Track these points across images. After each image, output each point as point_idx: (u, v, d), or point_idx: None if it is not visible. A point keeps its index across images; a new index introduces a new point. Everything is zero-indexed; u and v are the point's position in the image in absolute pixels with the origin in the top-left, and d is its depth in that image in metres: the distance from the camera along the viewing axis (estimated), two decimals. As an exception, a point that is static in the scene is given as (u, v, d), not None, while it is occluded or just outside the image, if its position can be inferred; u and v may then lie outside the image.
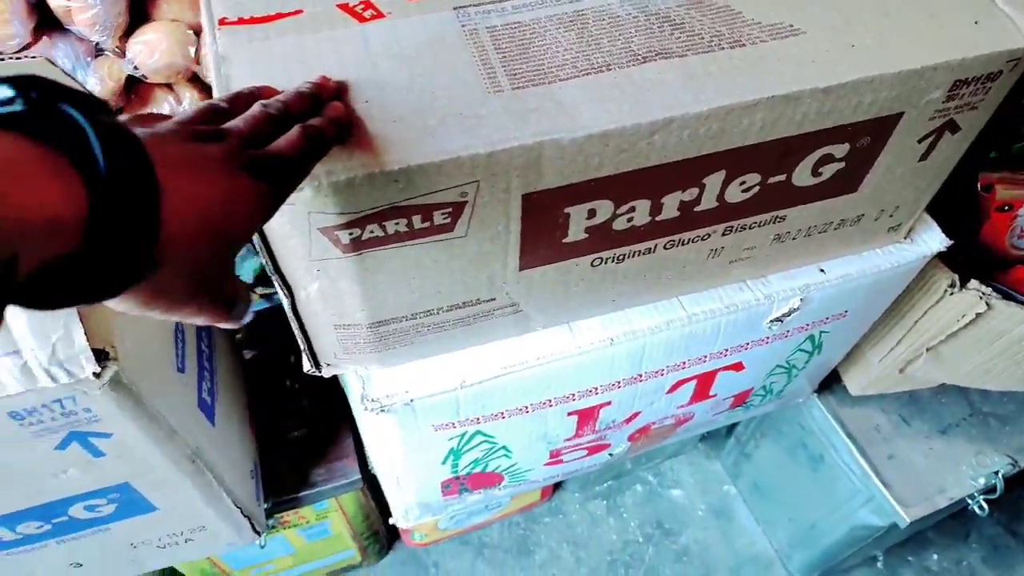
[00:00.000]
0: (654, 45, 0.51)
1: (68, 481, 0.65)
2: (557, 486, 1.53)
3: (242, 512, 0.86)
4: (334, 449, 1.02)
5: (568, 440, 0.81)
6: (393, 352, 0.63)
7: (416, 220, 0.48)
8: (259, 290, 1.46)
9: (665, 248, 0.61)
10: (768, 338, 0.77)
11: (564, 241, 0.56)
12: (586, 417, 0.77)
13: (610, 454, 0.91)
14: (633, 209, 0.55)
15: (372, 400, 0.63)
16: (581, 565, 1.46)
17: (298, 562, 1.24)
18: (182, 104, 1.01)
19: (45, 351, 0.52)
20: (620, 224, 0.56)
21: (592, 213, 0.54)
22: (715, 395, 0.86)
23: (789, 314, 0.73)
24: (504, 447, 0.77)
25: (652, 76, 0.49)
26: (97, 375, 0.53)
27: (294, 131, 0.39)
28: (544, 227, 0.53)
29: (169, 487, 0.73)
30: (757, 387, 0.90)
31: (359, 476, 0.99)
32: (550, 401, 0.71)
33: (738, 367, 0.81)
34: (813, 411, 1.14)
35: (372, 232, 0.48)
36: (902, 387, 1.09)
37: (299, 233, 0.47)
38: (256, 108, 0.39)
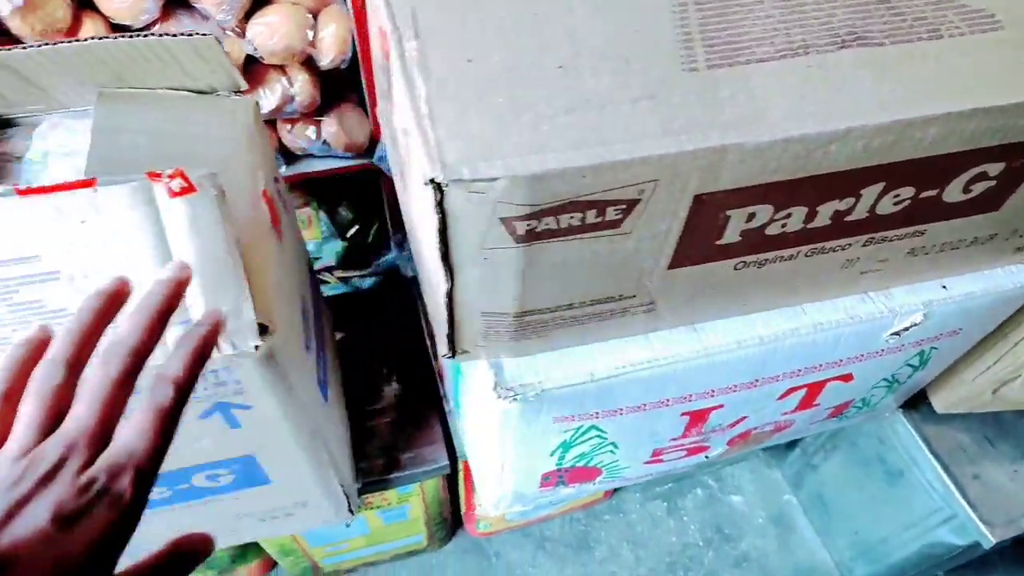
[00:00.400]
0: (857, 25, 0.50)
1: (201, 450, 0.67)
2: (618, 484, 1.54)
3: (343, 490, 0.88)
4: (422, 434, 1.03)
5: (673, 440, 0.82)
6: (527, 343, 0.64)
7: (590, 215, 0.49)
8: (337, 273, 1.48)
9: (807, 256, 0.62)
10: (882, 351, 0.77)
11: (717, 243, 0.56)
12: (697, 419, 0.77)
13: (706, 456, 0.91)
14: (789, 215, 0.55)
15: (507, 388, 0.64)
16: (640, 564, 1.47)
17: (370, 543, 1.25)
18: (293, 86, 1.02)
19: (216, 322, 0.53)
20: (774, 229, 0.56)
21: (751, 217, 0.54)
22: (818, 404, 0.85)
23: (909, 328, 0.73)
24: (613, 443, 0.78)
25: (847, 70, 0.48)
26: (257, 348, 0.55)
27: (142, 408, 0.33)
28: (703, 228, 0.54)
29: (287, 462, 0.74)
30: (857, 399, 0.90)
31: (447, 462, 1.01)
32: (667, 401, 0.72)
33: (847, 378, 0.80)
34: (896, 426, 1.14)
35: (547, 225, 0.49)
36: (991, 408, 1.07)
37: (481, 222, 0.48)
38: (97, 376, 0.33)
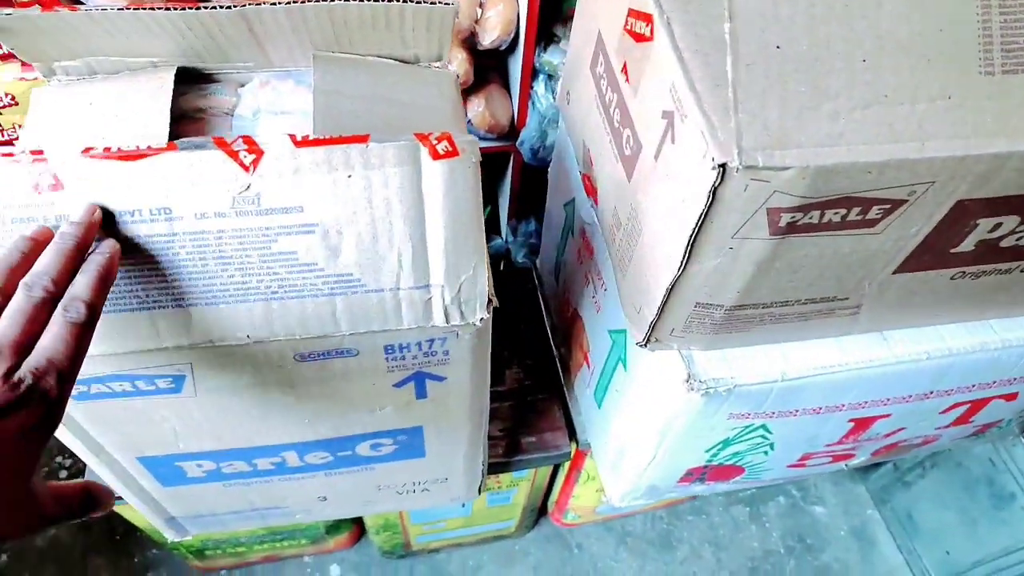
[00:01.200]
0: None
1: (379, 418, 0.68)
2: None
3: (482, 469, 0.88)
4: (543, 420, 1.03)
5: (828, 446, 0.81)
6: (726, 337, 0.63)
7: (854, 212, 0.48)
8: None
9: (1021, 271, 0.60)
10: (1055, 372, 0.75)
11: (951, 251, 0.55)
12: (860, 426, 0.76)
13: (846, 465, 0.90)
14: (1029, 228, 0.54)
15: (700, 382, 0.63)
16: (722, 568, 1.46)
17: (466, 524, 1.26)
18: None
19: (452, 290, 0.53)
20: (1009, 242, 0.55)
21: (996, 227, 0.53)
22: (972, 421, 0.84)
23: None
24: (771, 444, 0.77)
25: None
26: (482, 321, 0.55)
27: (59, 322, 0.38)
28: (947, 234, 0.53)
29: (449, 436, 0.74)
30: (1007, 419, 0.88)
31: (569, 449, 1.00)
32: (842, 406, 0.71)
33: (1011, 397, 0.79)
34: (1016, 449, 1.12)
35: (810, 219, 0.48)
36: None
37: (747, 211, 0.47)
38: (21, 299, 0.38)
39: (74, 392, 0.55)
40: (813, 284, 0.57)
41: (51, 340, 0.38)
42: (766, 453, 0.80)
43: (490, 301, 0.55)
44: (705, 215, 0.48)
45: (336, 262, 0.51)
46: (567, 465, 1.20)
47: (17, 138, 1.13)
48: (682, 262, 0.53)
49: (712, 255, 0.52)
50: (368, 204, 0.50)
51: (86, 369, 0.53)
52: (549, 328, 1.10)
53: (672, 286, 0.56)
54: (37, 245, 0.42)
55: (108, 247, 0.44)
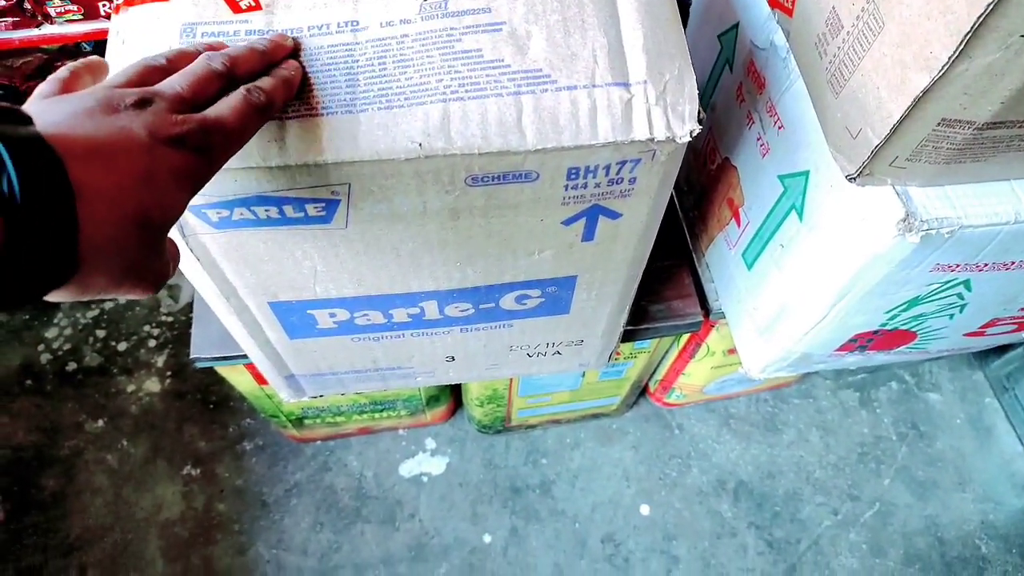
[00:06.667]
0: None
1: (535, 264, 0.60)
2: (807, 369, 1.46)
3: (619, 333, 0.81)
4: (671, 287, 0.95)
5: (1022, 310, 0.72)
6: (956, 168, 0.53)
7: None
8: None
9: None
10: None
11: None
12: (1072, 286, 0.67)
13: (1025, 336, 0.81)
14: None
15: (921, 221, 0.54)
16: (830, 452, 1.40)
17: (572, 399, 1.21)
18: None
19: (656, 87, 0.44)
20: None
21: None
22: None
23: None
24: (963, 305, 0.68)
25: None
26: (691, 134, 0.46)
27: (238, 95, 0.37)
28: None
29: (601, 289, 0.67)
30: None
31: (700, 317, 0.93)
32: (1067, 259, 0.61)
33: None
34: None
35: None
36: None
37: None
38: (199, 63, 0.37)
39: (214, 219, 0.49)
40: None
41: (224, 107, 0.36)
42: (951, 317, 0.71)
43: (700, 112, 0.46)
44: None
45: (524, 57, 0.44)
46: (683, 339, 1.13)
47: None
48: (952, 56, 0.43)
49: (993, 47, 0.42)
50: (557, 2, 0.45)
51: (232, 188, 0.46)
52: (675, 190, 1.01)
53: (924, 93, 0.46)
54: (187, 57, 0.39)
55: (292, 66, 0.43)
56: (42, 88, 0.35)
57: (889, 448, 1.41)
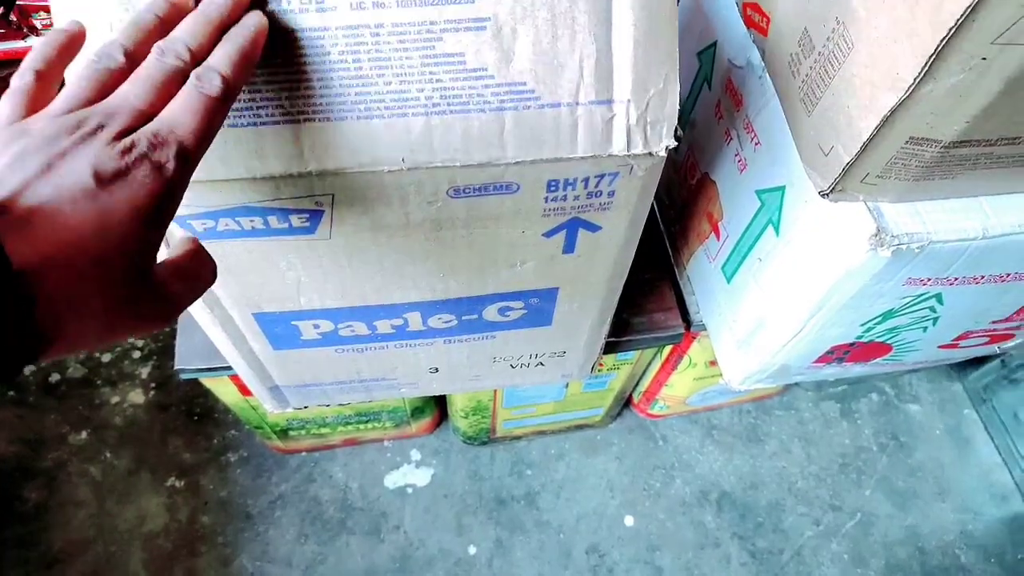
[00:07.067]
0: None
1: (517, 275, 0.61)
2: (789, 381, 1.47)
3: (601, 345, 0.82)
4: (653, 300, 0.96)
5: (994, 323, 0.73)
6: (925, 185, 0.55)
7: None
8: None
9: None
10: None
11: None
12: (1042, 299, 0.68)
13: (999, 347, 0.83)
14: None
15: (892, 236, 0.55)
16: (812, 463, 1.41)
17: (557, 410, 1.22)
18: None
19: (639, 107, 0.45)
20: None
21: None
22: None
23: None
24: (936, 318, 0.70)
25: None
26: (667, 151, 0.47)
27: (189, 89, 0.33)
28: None
29: (582, 302, 0.68)
30: None
31: (682, 330, 0.94)
32: (1032, 272, 0.63)
33: None
34: None
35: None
36: None
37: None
38: (153, 62, 0.33)
39: (200, 229, 0.50)
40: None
41: (177, 109, 0.32)
42: (925, 329, 0.73)
43: (677, 129, 0.47)
44: (972, 8, 0.39)
45: (508, 68, 0.44)
46: (666, 351, 1.14)
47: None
48: (917, 77, 0.44)
49: (957, 69, 0.43)
50: (546, -3, 0.43)
51: (215, 199, 0.47)
52: (657, 204, 1.02)
53: (891, 112, 0.47)
54: (175, 10, 0.36)
55: (253, 21, 0.38)
56: (3, 112, 0.32)
57: (870, 459, 1.43)
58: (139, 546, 1.28)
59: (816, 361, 0.81)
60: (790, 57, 0.57)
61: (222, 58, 0.35)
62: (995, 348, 0.83)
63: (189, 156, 0.32)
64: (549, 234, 0.56)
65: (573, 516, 1.34)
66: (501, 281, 0.62)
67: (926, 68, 0.43)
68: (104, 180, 0.29)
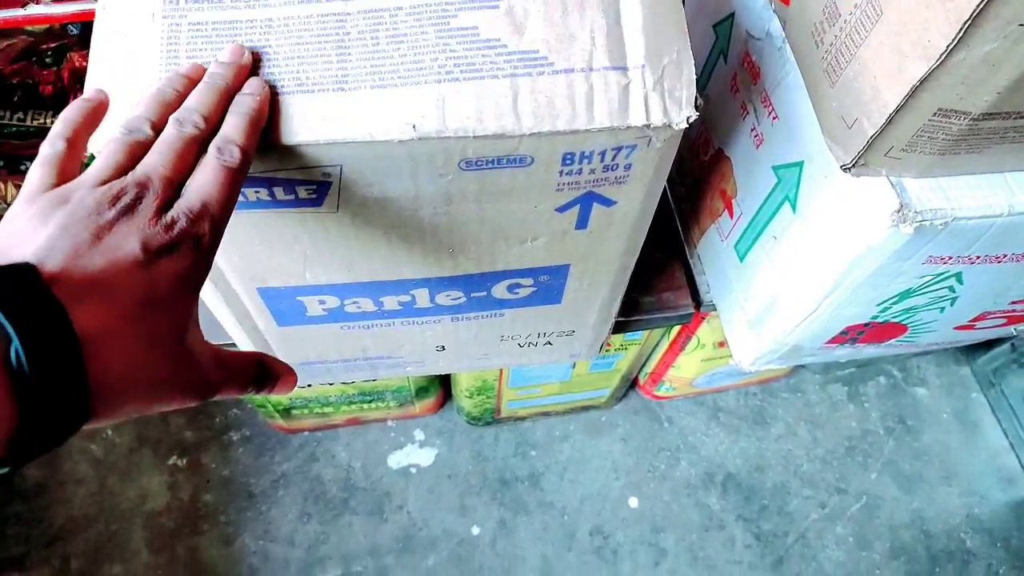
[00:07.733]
0: None
1: (528, 252, 0.60)
2: (796, 363, 1.46)
3: (612, 324, 0.81)
4: (663, 279, 0.95)
5: (1014, 303, 0.72)
6: (951, 160, 0.53)
7: None
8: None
9: None
10: None
11: None
12: (1064, 279, 0.67)
13: (1015, 329, 0.81)
14: None
15: (915, 212, 0.54)
16: (818, 445, 1.41)
17: (562, 391, 1.21)
18: None
19: (654, 72, 0.44)
20: None
21: None
22: None
23: None
24: (954, 298, 0.68)
25: None
26: (688, 120, 0.45)
27: (211, 162, 0.35)
28: None
29: (593, 279, 0.67)
30: None
31: (692, 310, 0.93)
32: (1057, 251, 0.61)
33: None
34: None
35: None
36: None
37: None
38: (171, 132, 0.35)
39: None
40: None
41: (205, 182, 0.35)
42: (942, 310, 0.71)
43: (697, 98, 0.45)
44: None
45: (521, 38, 0.43)
46: (674, 331, 1.13)
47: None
48: (950, 44, 0.42)
49: (992, 36, 0.42)
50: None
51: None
52: (667, 182, 1.00)
53: (921, 82, 0.45)
54: (191, 83, 0.39)
55: (258, 88, 0.40)
56: (37, 178, 0.33)
57: (876, 442, 1.42)
58: (141, 524, 1.28)
59: (829, 342, 0.79)
60: (814, 26, 0.56)
61: (236, 129, 0.37)
62: (1012, 330, 0.81)
63: (219, 224, 0.34)
64: (562, 209, 0.54)
65: (577, 497, 1.33)
66: (511, 257, 0.61)
67: (960, 34, 0.41)
68: (152, 253, 0.31)
